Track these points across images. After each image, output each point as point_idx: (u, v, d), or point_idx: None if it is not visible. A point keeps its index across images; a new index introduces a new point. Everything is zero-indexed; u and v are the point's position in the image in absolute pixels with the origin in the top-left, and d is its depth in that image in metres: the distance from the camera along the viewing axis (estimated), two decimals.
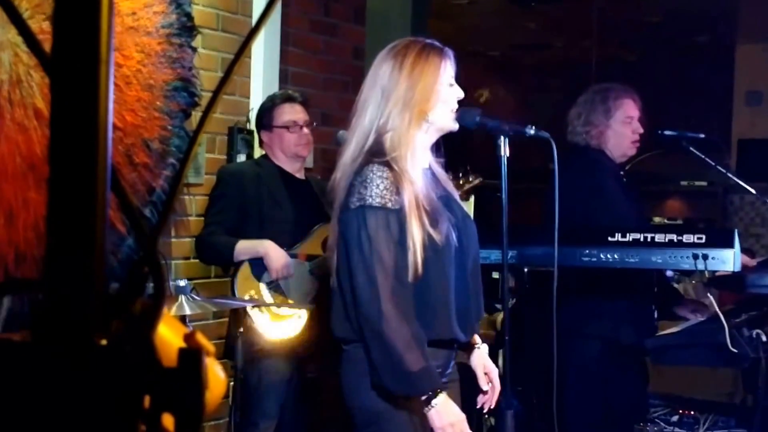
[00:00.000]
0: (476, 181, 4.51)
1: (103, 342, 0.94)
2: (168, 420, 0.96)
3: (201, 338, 1.01)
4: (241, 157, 5.40)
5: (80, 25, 0.95)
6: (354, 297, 3.17)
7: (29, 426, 0.93)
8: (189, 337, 1.01)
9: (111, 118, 0.95)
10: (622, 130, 4.91)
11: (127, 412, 0.94)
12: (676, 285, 5.46)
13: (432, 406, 3.10)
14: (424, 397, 3.10)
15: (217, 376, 1.04)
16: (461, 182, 4.52)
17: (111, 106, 0.95)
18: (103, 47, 0.95)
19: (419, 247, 3.13)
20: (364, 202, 3.14)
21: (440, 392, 3.11)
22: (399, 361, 3.07)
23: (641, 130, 4.94)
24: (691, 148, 4.84)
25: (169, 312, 3.66)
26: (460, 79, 3.38)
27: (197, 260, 4.88)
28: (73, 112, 0.94)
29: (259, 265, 4.61)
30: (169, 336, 1.02)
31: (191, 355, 0.96)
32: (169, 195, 1.11)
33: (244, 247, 4.60)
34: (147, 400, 0.95)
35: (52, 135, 0.94)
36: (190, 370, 0.95)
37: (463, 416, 3.18)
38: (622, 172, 4.98)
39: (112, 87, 0.96)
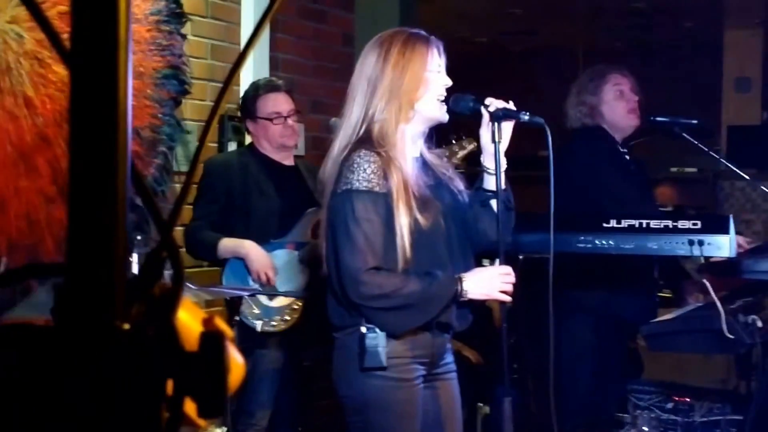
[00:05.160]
0: (471, 146, 4.46)
1: (126, 326, 0.94)
2: (190, 405, 0.96)
3: (220, 322, 1.02)
4: (232, 145, 5.36)
5: (99, 8, 0.94)
6: (339, 276, 3.19)
7: (53, 410, 0.93)
8: (208, 322, 1.02)
9: (131, 103, 0.95)
10: (614, 102, 4.91)
11: (150, 397, 0.94)
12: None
13: (464, 293, 3.22)
14: (452, 295, 3.21)
15: (235, 360, 1.05)
16: (455, 149, 4.47)
17: (130, 90, 0.95)
18: (122, 31, 0.94)
19: (406, 231, 3.15)
20: (350, 186, 3.16)
21: (459, 282, 3.22)
22: (409, 295, 3.14)
23: (636, 98, 4.93)
24: (684, 134, 4.82)
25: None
26: (447, 66, 3.37)
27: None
28: (93, 98, 0.93)
29: (241, 266, 4.57)
30: (188, 321, 1.02)
31: (213, 339, 0.97)
32: (185, 183, 1.12)
33: (227, 247, 4.54)
34: (170, 385, 0.95)
35: (71, 121, 0.93)
36: (212, 353, 0.96)
37: (487, 270, 3.33)
38: (625, 150, 4.96)
39: (131, 71, 0.95)
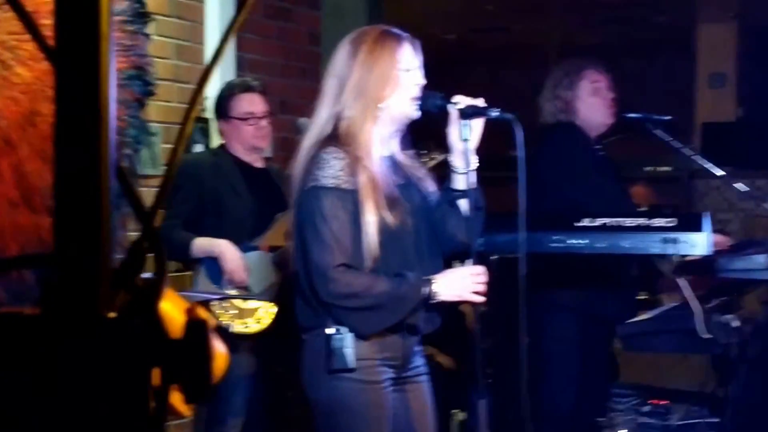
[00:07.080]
0: (440, 158, 4.43)
1: (111, 315, 0.96)
2: (176, 393, 1.00)
3: (202, 312, 1.04)
4: (198, 147, 5.28)
5: (82, 3, 0.96)
6: (308, 274, 3.17)
7: (41, 398, 0.95)
8: (191, 311, 1.05)
9: (114, 95, 0.97)
10: (589, 99, 4.87)
11: (136, 384, 0.97)
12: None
13: (435, 295, 3.18)
14: (423, 297, 3.18)
15: (218, 349, 1.08)
16: (425, 160, 4.43)
17: (114, 82, 0.97)
18: (104, 23, 0.96)
19: (373, 230, 3.13)
20: (318, 182, 3.15)
21: (430, 283, 3.18)
22: (378, 295, 3.13)
23: (611, 96, 4.89)
24: (657, 132, 4.78)
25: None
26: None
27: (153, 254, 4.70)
28: (77, 91, 0.96)
29: (215, 266, 4.48)
30: (171, 310, 1.04)
31: (196, 327, 1.01)
32: (165, 176, 1.18)
33: (200, 246, 4.47)
34: (155, 372, 0.98)
35: (57, 113, 0.96)
36: (196, 341, 1.01)
37: (458, 270, 3.29)
38: (599, 146, 4.91)
39: (114, 64, 0.97)
